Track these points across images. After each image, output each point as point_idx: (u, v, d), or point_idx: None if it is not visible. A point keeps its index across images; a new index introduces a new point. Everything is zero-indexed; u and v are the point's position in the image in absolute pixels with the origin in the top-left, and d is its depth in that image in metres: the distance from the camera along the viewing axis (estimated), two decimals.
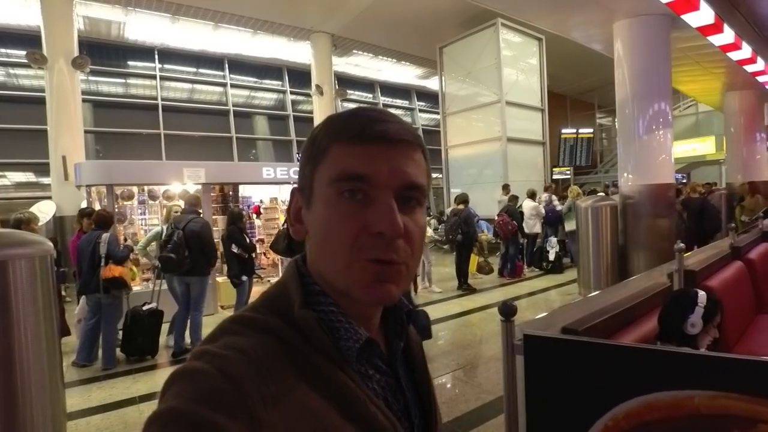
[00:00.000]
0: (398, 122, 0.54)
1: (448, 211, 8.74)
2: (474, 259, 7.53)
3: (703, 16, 5.35)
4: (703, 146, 14.63)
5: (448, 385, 3.80)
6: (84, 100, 10.15)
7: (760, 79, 8.35)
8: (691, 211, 7.40)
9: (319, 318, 0.53)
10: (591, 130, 17.65)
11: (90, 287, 4.32)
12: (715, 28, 5.67)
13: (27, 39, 10.58)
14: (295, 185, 0.59)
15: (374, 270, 0.50)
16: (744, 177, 9.84)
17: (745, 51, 6.64)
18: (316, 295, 0.54)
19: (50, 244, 2.38)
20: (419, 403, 0.63)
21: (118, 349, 4.57)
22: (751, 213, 7.86)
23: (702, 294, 1.88)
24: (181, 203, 6.18)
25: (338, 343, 0.52)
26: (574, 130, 17.16)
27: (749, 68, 7.51)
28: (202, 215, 5.14)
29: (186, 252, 4.54)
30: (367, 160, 0.51)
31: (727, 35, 5.92)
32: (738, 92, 10.09)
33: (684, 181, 13.56)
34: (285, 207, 7.53)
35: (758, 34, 7.22)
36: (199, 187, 6.44)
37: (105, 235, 4.39)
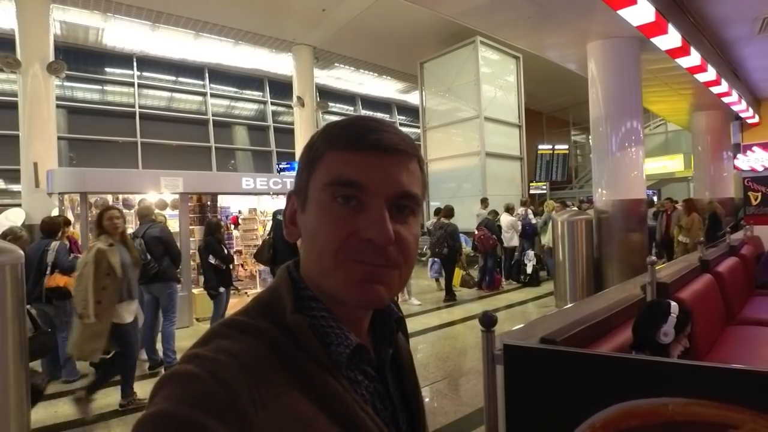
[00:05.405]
0: (395, 132, 0.54)
1: (428, 224, 8.79)
2: (458, 273, 7.59)
3: (671, 39, 5.58)
4: (673, 163, 15.14)
5: (428, 398, 3.78)
6: (58, 106, 9.90)
7: (725, 100, 8.71)
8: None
9: (311, 323, 0.53)
10: (566, 147, 18.11)
11: (32, 296, 4.11)
12: (683, 51, 5.93)
13: (0, 42, 10.30)
14: (291, 189, 0.60)
15: (362, 270, 0.51)
16: (711, 193, 10.21)
17: (711, 73, 6.95)
18: (307, 300, 0.55)
19: (21, 252, 2.31)
20: (407, 410, 0.63)
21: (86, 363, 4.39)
22: (687, 233, 7.41)
23: (674, 305, 1.94)
24: (165, 212, 6.21)
25: (329, 348, 0.53)
26: (550, 146, 17.59)
27: (715, 90, 7.85)
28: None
29: (148, 257, 4.45)
30: (362, 167, 0.51)
31: (694, 58, 6.19)
32: (705, 112, 10.51)
33: (655, 197, 13.98)
34: (264, 218, 7.52)
35: (722, 57, 7.58)
36: (177, 196, 6.35)
37: (54, 243, 4.26)
